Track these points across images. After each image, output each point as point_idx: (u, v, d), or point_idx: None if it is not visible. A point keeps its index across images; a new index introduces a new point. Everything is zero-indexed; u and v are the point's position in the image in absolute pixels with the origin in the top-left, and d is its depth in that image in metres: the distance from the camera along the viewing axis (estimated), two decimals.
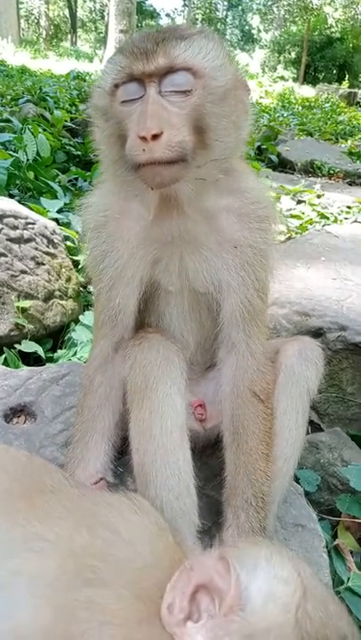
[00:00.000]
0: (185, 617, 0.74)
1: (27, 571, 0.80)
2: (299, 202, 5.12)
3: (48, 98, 6.92)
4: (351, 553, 1.68)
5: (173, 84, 1.05)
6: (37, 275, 2.57)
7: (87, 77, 10.80)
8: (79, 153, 5.37)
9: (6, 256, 2.46)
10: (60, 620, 0.74)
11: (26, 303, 2.42)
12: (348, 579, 1.55)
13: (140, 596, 0.76)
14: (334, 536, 1.74)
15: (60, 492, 0.94)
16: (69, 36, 41.71)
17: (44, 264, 2.64)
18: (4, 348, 2.30)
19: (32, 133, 4.48)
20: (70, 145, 5.44)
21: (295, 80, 29.95)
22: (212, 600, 0.75)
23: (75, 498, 0.94)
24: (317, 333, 2.18)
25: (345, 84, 25.08)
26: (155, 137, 1.00)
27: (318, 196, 5.29)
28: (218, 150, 1.13)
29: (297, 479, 1.75)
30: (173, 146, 1.02)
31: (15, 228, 2.58)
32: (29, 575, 0.79)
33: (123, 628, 0.74)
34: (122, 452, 1.42)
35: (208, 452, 1.53)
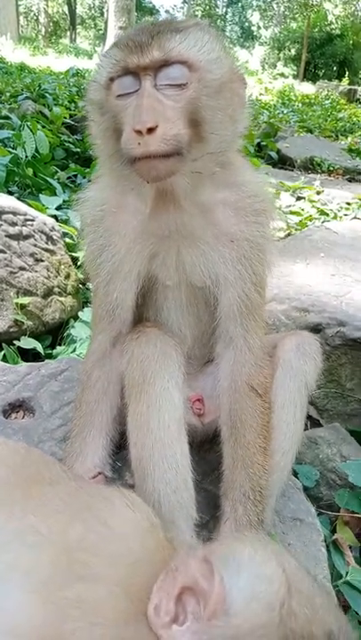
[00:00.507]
0: (171, 619, 0.73)
1: (21, 565, 0.79)
2: (298, 198, 5.12)
3: (47, 95, 6.91)
4: (350, 548, 1.68)
5: (168, 77, 1.05)
6: (36, 271, 2.57)
7: (86, 74, 10.77)
8: (78, 150, 5.36)
9: (5, 253, 2.46)
10: (52, 618, 0.74)
11: (25, 300, 2.41)
12: (347, 573, 1.56)
13: (130, 593, 0.76)
14: (333, 531, 1.74)
15: (58, 484, 0.94)
16: (68, 33, 41.62)
17: (42, 261, 2.64)
18: (4, 345, 2.30)
19: (31, 130, 4.47)
20: (69, 142, 5.43)
21: (295, 77, 29.86)
22: (197, 602, 0.74)
23: (72, 490, 0.94)
24: (316, 329, 2.18)
25: (345, 80, 24.96)
26: (150, 130, 1.00)
27: (318, 193, 5.28)
28: (214, 143, 1.13)
29: (296, 474, 1.75)
30: (169, 139, 1.02)
31: (14, 224, 2.57)
32: (23, 570, 0.79)
33: (112, 627, 0.73)
34: (120, 446, 1.42)
35: (206, 447, 1.53)
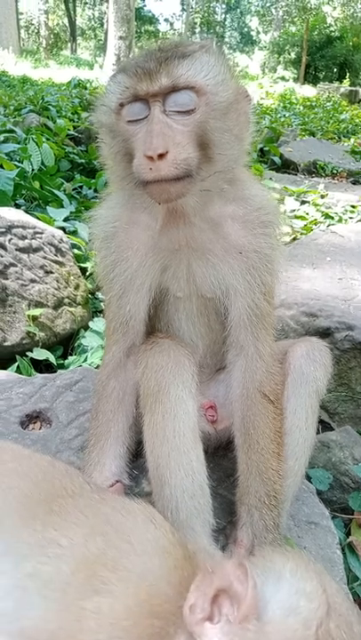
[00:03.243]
0: (205, 617, 0.74)
1: (40, 575, 0.81)
2: (303, 202, 5.14)
3: (50, 107, 6.98)
4: None
5: (177, 103, 1.08)
6: (47, 283, 2.62)
7: (88, 85, 10.89)
8: (83, 161, 5.42)
9: (16, 266, 2.52)
10: (67, 625, 0.75)
11: (36, 311, 2.46)
12: None
13: (152, 612, 0.76)
14: (348, 534, 1.75)
15: (81, 497, 0.95)
16: (69, 45, 41.95)
17: (52, 272, 2.69)
18: (17, 356, 2.35)
19: (36, 143, 4.54)
20: (74, 153, 5.49)
21: (296, 80, 29.91)
22: (231, 604, 0.75)
23: (93, 503, 0.94)
24: (325, 333, 2.20)
25: (346, 82, 24.98)
26: (161, 156, 1.04)
27: (322, 196, 5.30)
28: (222, 163, 1.17)
29: (309, 478, 1.77)
30: (179, 163, 1.06)
31: (24, 237, 2.63)
32: (43, 579, 0.81)
33: None
34: (136, 454, 1.45)
35: (220, 454, 1.56)
